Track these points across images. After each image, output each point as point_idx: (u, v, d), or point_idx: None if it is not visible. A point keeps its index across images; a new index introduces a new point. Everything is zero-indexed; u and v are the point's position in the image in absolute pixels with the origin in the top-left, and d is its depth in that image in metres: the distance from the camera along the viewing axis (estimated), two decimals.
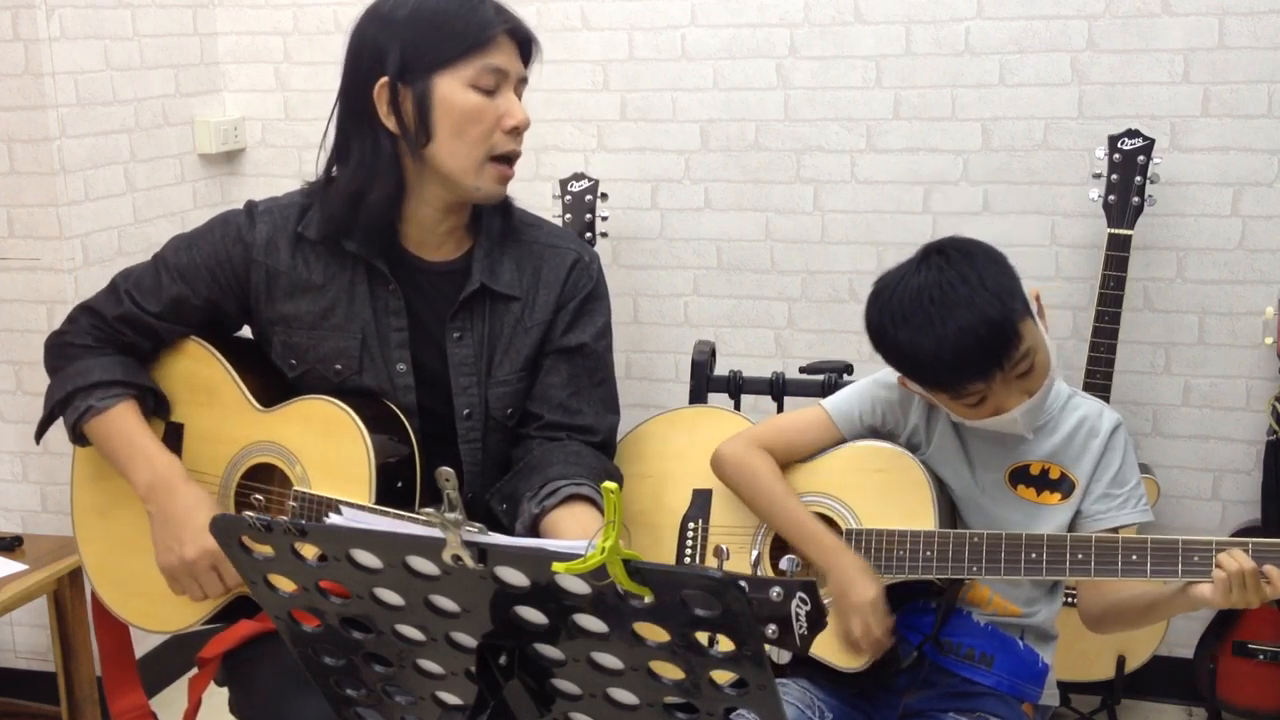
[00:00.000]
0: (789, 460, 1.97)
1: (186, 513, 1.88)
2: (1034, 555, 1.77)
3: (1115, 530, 1.84)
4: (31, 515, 3.16)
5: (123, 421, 1.95)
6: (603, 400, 2.02)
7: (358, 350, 1.94)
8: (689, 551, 2.02)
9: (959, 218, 3.07)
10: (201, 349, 2.03)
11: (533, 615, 1.18)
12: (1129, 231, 2.79)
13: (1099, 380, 2.78)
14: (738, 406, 2.41)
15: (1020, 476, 1.87)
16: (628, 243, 3.30)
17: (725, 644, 1.12)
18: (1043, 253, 3.05)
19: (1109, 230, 2.80)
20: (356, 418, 1.88)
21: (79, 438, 2.00)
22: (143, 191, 3.23)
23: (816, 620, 1.26)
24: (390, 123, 1.85)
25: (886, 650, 1.85)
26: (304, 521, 1.24)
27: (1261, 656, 2.86)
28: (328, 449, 1.89)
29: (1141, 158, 2.78)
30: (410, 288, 1.94)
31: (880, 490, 1.88)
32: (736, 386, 2.43)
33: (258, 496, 1.97)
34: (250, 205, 1.99)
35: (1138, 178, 2.78)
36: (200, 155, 3.43)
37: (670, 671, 1.17)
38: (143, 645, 2.85)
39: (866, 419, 1.96)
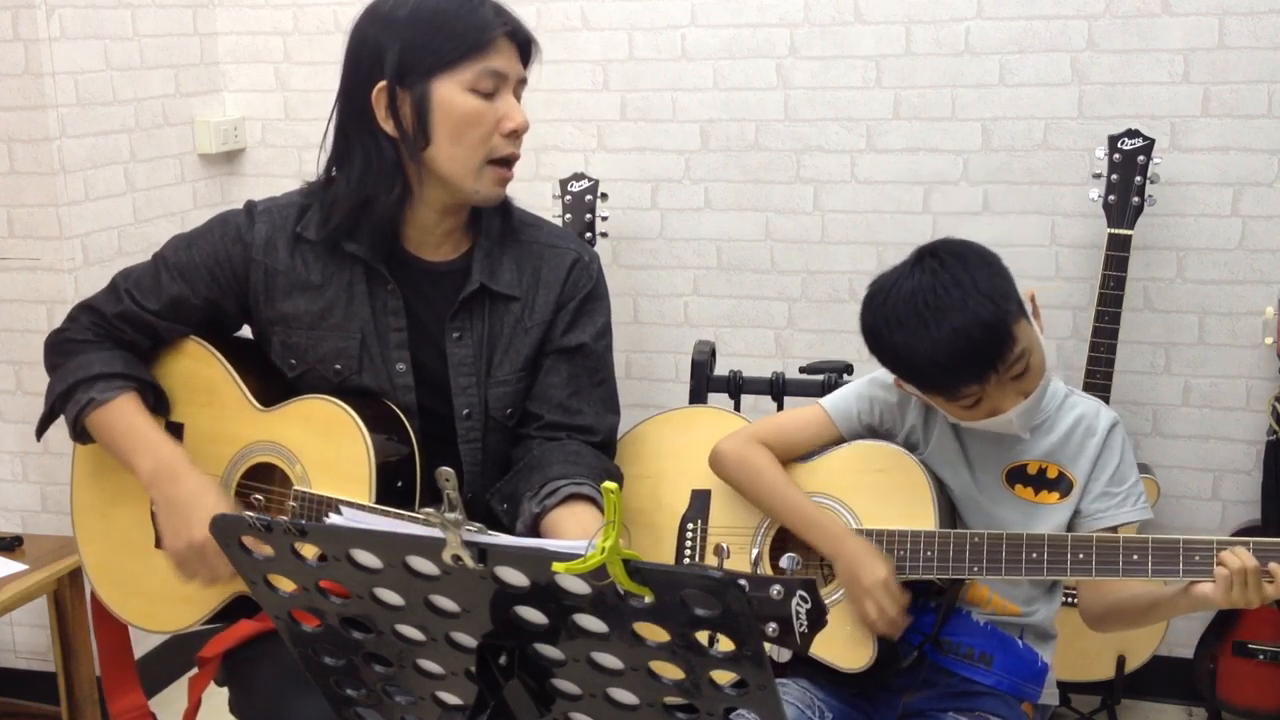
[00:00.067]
0: (788, 457, 1.97)
1: (192, 497, 1.87)
2: (1035, 555, 1.77)
3: (1115, 529, 1.84)
4: (31, 515, 3.16)
5: (124, 412, 1.95)
6: (603, 400, 2.02)
7: (357, 350, 1.94)
8: (688, 552, 2.02)
9: (959, 218, 3.07)
10: (201, 349, 2.03)
11: (533, 615, 1.18)
12: (1129, 231, 2.79)
13: (1099, 380, 2.78)
14: (738, 406, 2.41)
15: (1017, 476, 1.87)
16: (628, 243, 3.30)
17: (725, 644, 1.12)
18: (1043, 253, 3.05)
19: (1109, 230, 2.80)
20: (356, 417, 1.88)
21: (80, 434, 1.99)
22: (143, 191, 3.23)
23: (817, 619, 1.26)
24: (389, 126, 1.85)
25: (886, 650, 1.85)
26: (304, 521, 1.24)
27: (1261, 656, 2.86)
28: (328, 448, 1.89)
29: (1141, 158, 2.78)
30: (409, 288, 1.94)
31: (880, 490, 1.89)
32: (736, 386, 2.43)
33: (258, 496, 1.97)
34: (250, 205, 1.99)
35: (1138, 178, 2.78)
36: (200, 155, 3.43)
37: (670, 671, 1.17)
38: (143, 645, 2.85)
39: (864, 418, 1.96)
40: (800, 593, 1.24)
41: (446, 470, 1.15)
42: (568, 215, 3.07)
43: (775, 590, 1.24)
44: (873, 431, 1.96)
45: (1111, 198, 2.80)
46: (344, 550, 1.21)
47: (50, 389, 2.01)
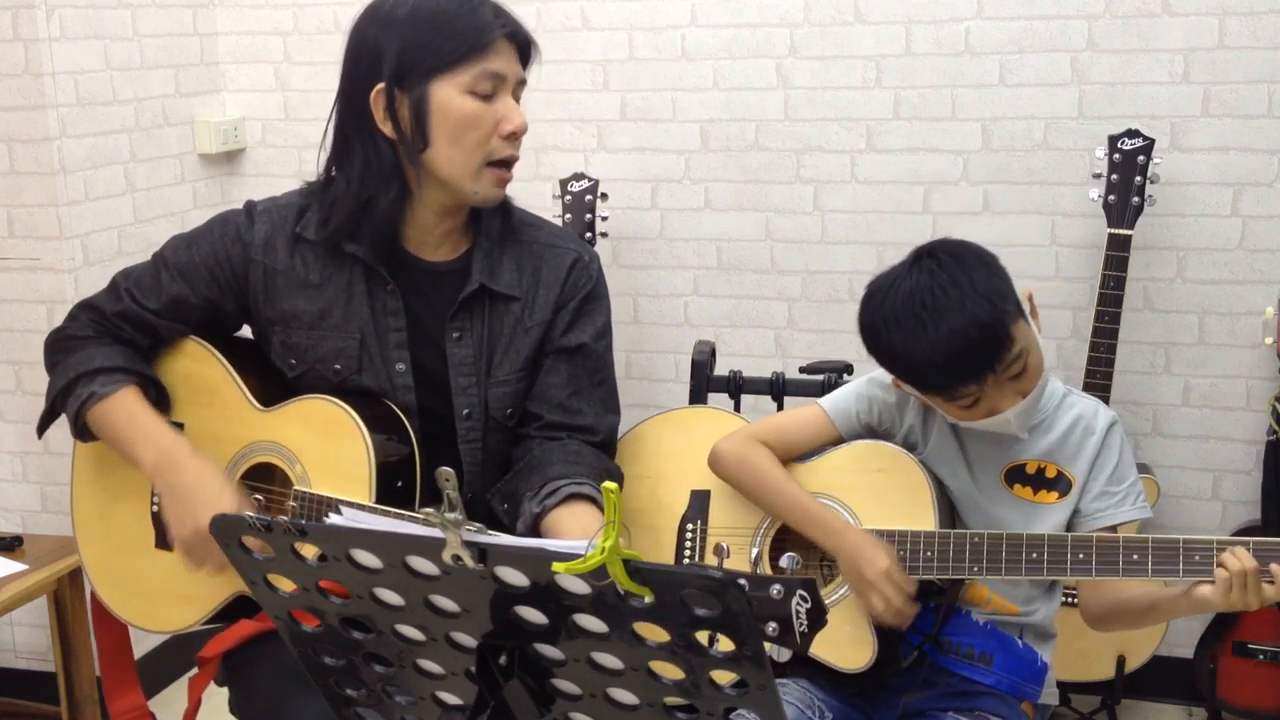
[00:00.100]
0: (787, 457, 1.97)
1: (196, 483, 1.86)
2: (1035, 555, 1.77)
3: (1114, 528, 1.84)
4: (31, 515, 3.16)
5: (125, 405, 1.94)
6: (603, 400, 2.01)
7: (356, 350, 1.94)
8: (688, 552, 2.02)
9: (959, 218, 3.07)
10: (201, 349, 2.03)
11: (533, 615, 1.18)
12: (1129, 231, 2.79)
13: (1099, 380, 2.78)
14: (738, 406, 2.42)
15: (1016, 476, 1.87)
16: (628, 243, 3.30)
17: (725, 644, 1.12)
18: (1043, 253, 3.05)
19: (1109, 230, 2.80)
20: (356, 417, 1.88)
21: (81, 431, 1.99)
22: (143, 191, 3.23)
23: (817, 618, 1.26)
24: (387, 128, 1.84)
25: (886, 650, 1.85)
26: (304, 521, 1.24)
27: (1261, 656, 2.86)
28: (328, 448, 1.89)
29: (1141, 158, 2.78)
30: (409, 288, 1.94)
31: (880, 490, 1.89)
32: (736, 386, 2.43)
33: (258, 496, 1.97)
34: (249, 205, 1.99)
35: (1138, 178, 2.78)
36: (200, 155, 3.43)
37: (670, 671, 1.17)
38: (143, 645, 2.85)
39: (863, 417, 1.96)
40: (800, 592, 1.24)
41: (446, 470, 1.15)
42: (568, 215, 3.07)
43: (775, 590, 1.24)
44: (871, 431, 1.97)
45: (1111, 198, 2.80)
46: (344, 550, 1.21)
47: (51, 385, 2.00)
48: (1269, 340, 2.87)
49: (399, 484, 1.89)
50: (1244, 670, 2.87)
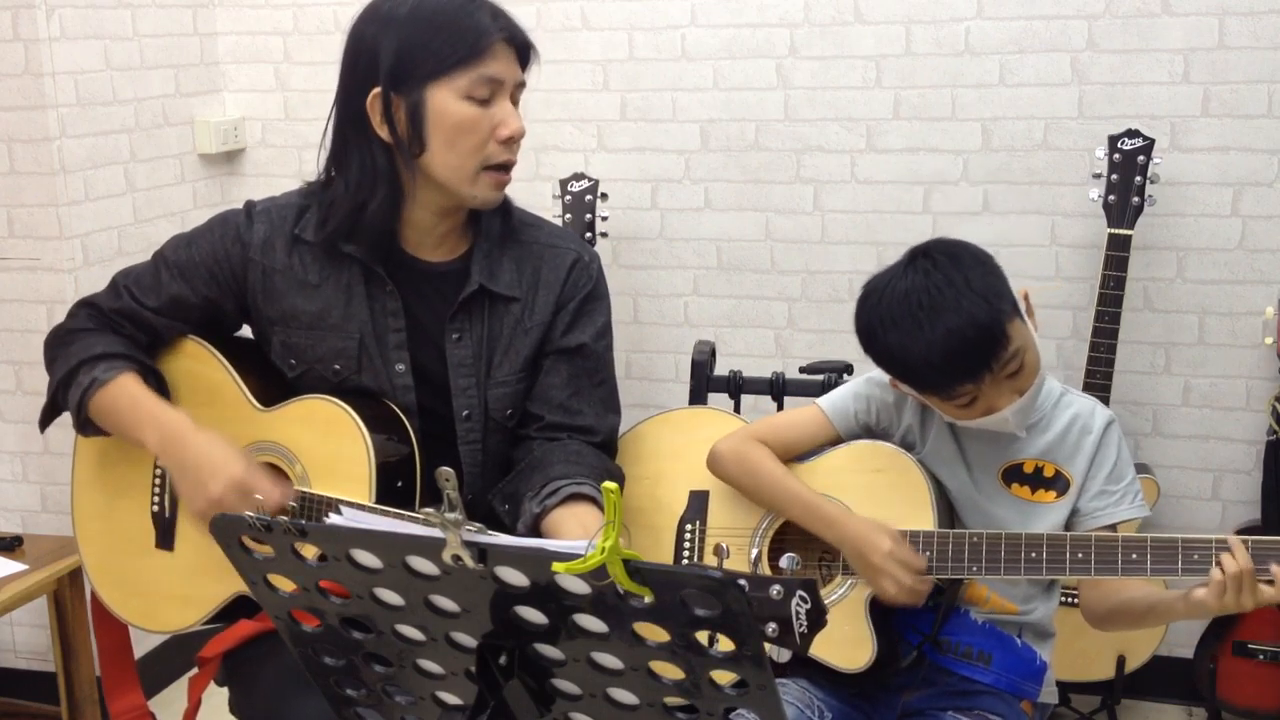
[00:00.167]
0: (785, 457, 1.97)
1: (202, 455, 1.85)
2: (1034, 555, 1.77)
3: (1113, 527, 1.84)
4: (31, 515, 3.16)
5: (126, 388, 1.93)
6: (603, 400, 2.01)
7: (355, 351, 1.94)
8: (686, 553, 2.02)
9: (959, 218, 3.07)
10: (201, 349, 2.03)
11: (533, 615, 1.18)
12: (1129, 231, 2.79)
13: (1099, 380, 2.78)
14: (738, 406, 2.42)
15: (1014, 475, 1.88)
16: (628, 243, 3.30)
17: (725, 644, 1.12)
18: (1043, 253, 3.05)
19: (1109, 230, 2.80)
20: (356, 417, 1.87)
21: (84, 424, 1.98)
22: (143, 191, 3.23)
23: (816, 619, 1.26)
24: (383, 132, 1.84)
25: (885, 650, 1.85)
26: (304, 521, 1.24)
27: (1261, 656, 2.86)
28: (328, 448, 1.89)
29: (1141, 158, 2.78)
30: (408, 288, 1.94)
31: (879, 490, 1.89)
32: (736, 386, 2.43)
33: (258, 495, 1.96)
34: (249, 205, 1.99)
35: (1138, 178, 2.78)
36: (200, 155, 3.43)
37: (670, 671, 1.17)
38: (143, 645, 2.85)
39: (861, 417, 1.96)
40: (800, 593, 1.24)
41: (446, 470, 1.15)
42: (568, 215, 3.07)
43: (775, 590, 1.24)
44: (869, 431, 1.97)
45: (1111, 198, 2.80)
46: (344, 550, 1.21)
47: (52, 377, 1.99)
48: (1269, 340, 2.87)
49: (399, 484, 1.89)
50: (1244, 670, 2.87)
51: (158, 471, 2.03)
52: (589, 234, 3.05)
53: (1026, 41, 2.97)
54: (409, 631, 1.26)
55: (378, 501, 1.83)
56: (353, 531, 1.21)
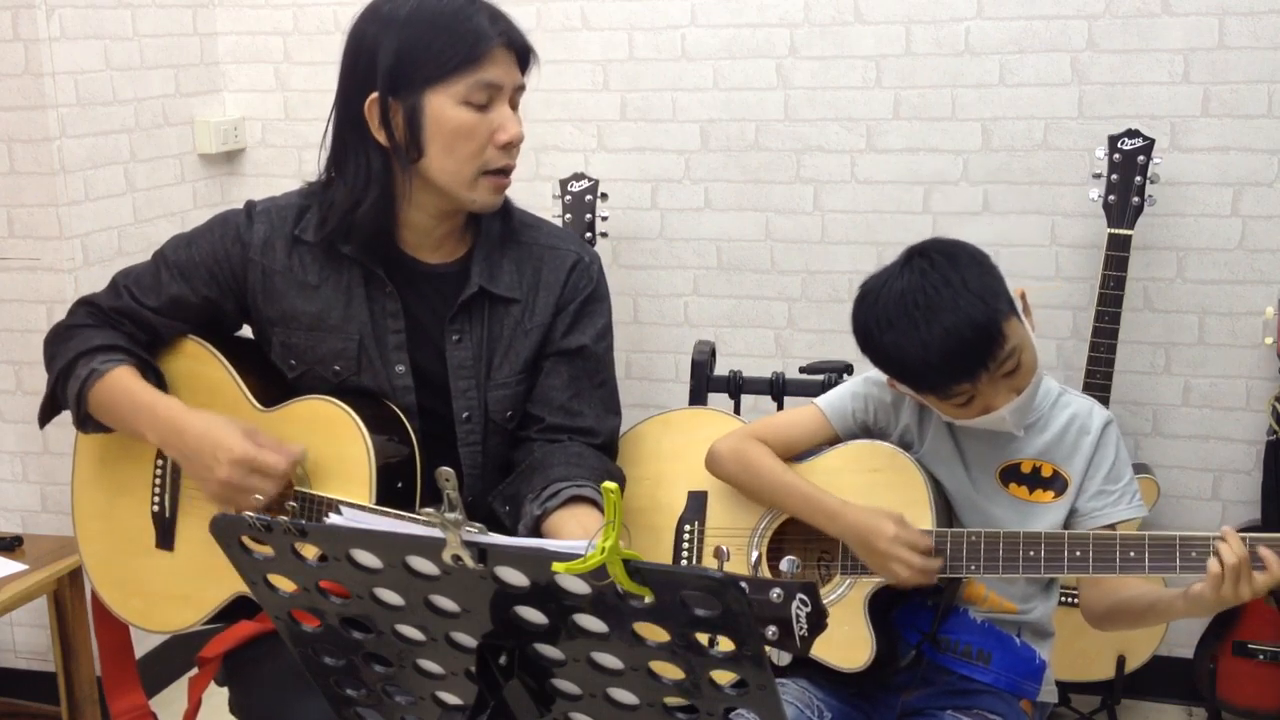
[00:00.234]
0: (784, 456, 1.97)
1: (202, 439, 1.85)
2: (1032, 553, 1.78)
3: (1112, 527, 1.84)
4: (31, 515, 3.16)
5: (121, 382, 1.93)
6: (603, 401, 2.01)
7: (355, 352, 1.94)
8: (685, 553, 2.02)
9: (959, 218, 3.07)
10: (201, 349, 2.03)
11: (533, 615, 1.18)
12: (1129, 231, 2.79)
13: (1099, 380, 2.79)
14: (738, 407, 2.42)
15: (1011, 475, 1.88)
16: (628, 243, 3.30)
17: (725, 644, 1.12)
18: (1043, 253, 3.05)
19: (1109, 230, 2.80)
20: (357, 418, 1.87)
21: (84, 420, 1.98)
22: (143, 191, 3.23)
23: (817, 622, 1.26)
24: (381, 137, 1.84)
25: (885, 649, 1.85)
26: (304, 521, 1.24)
27: (1261, 656, 2.86)
28: (328, 449, 1.89)
29: (1141, 158, 2.78)
30: (408, 290, 1.94)
31: (877, 490, 1.89)
32: (736, 386, 2.43)
33: (258, 496, 1.96)
34: (249, 205, 1.99)
35: (1138, 178, 2.78)
36: (200, 155, 3.43)
37: (670, 671, 1.17)
38: (143, 645, 2.85)
39: (859, 416, 1.96)
40: (800, 596, 1.24)
41: (446, 470, 1.15)
42: (568, 215, 3.07)
43: (775, 594, 1.24)
44: (867, 430, 1.97)
45: (1111, 198, 2.80)
46: (344, 550, 1.21)
47: (50, 371, 2.00)
48: (1269, 340, 2.87)
49: (399, 485, 1.89)
50: (1244, 670, 2.87)
51: (158, 471, 2.03)
52: (589, 234, 3.05)
53: (1026, 41, 2.97)
54: (409, 631, 1.26)
55: (378, 502, 1.83)
56: (353, 531, 1.21)
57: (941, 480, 1.90)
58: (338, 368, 1.95)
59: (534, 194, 3.15)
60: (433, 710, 1.33)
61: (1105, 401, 2.74)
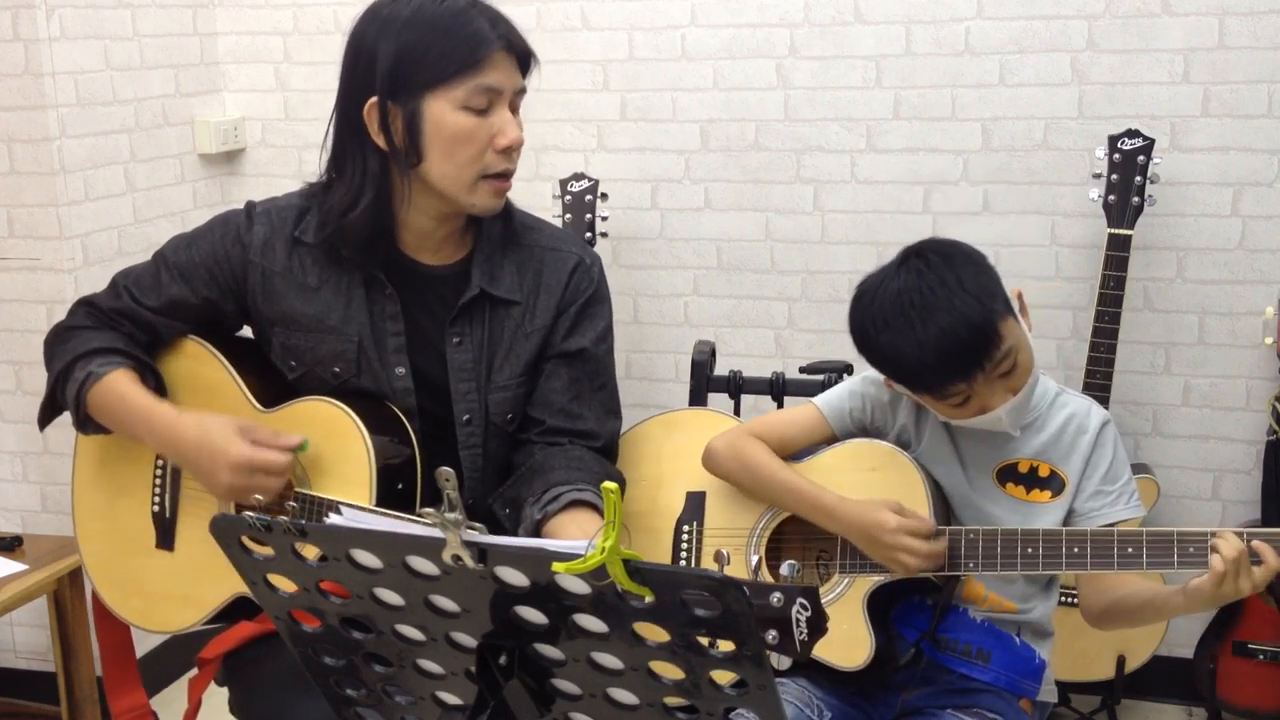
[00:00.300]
0: (781, 454, 1.97)
1: (199, 448, 1.86)
2: (1030, 550, 1.78)
3: (1110, 527, 1.84)
4: (31, 515, 3.16)
5: (117, 387, 1.92)
6: (604, 404, 2.01)
7: (354, 354, 1.94)
8: (684, 554, 2.02)
9: (959, 218, 3.07)
10: (202, 349, 2.03)
11: (533, 615, 1.18)
12: (1129, 231, 2.79)
13: (1099, 380, 2.79)
14: (738, 407, 2.42)
15: (1008, 475, 1.88)
16: (628, 243, 3.30)
17: (725, 644, 1.12)
18: (1043, 253, 3.05)
19: (1109, 230, 2.80)
20: (357, 419, 1.87)
21: (84, 421, 1.98)
22: (143, 191, 3.23)
23: (817, 625, 1.25)
24: (380, 141, 1.83)
25: (884, 648, 1.85)
26: (304, 521, 1.24)
27: (1261, 656, 2.86)
28: (328, 450, 1.89)
29: (1141, 158, 2.78)
30: (408, 292, 1.94)
31: (875, 489, 1.88)
32: (736, 386, 2.43)
33: (258, 496, 1.96)
34: (250, 206, 1.99)
35: (1138, 178, 2.78)
36: (200, 155, 3.43)
37: (670, 671, 1.17)
38: (143, 645, 2.85)
39: (856, 415, 1.97)
40: (801, 600, 1.24)
41: (446, 470, 1.15)
42: (568, 215, 3.07)
43: (775, 598, 1.24)
44: (864, 430, 1.97)
45: (1111, 198, 2.80)
46: (344, 550, 1.21)
47: (50, 373, 2.00)
48: (1269, 340, 2.87)
49: (399, 486, 1.89)
50: (1244, 670, 2.87)
51: (158, 471, 2.03)
52: (589, 234, 3.05)
53: (1026, 41, 2.97)
54: (409, 631, 1.26)
55: (378, 503, 1.83)
56: (353, 531, 1.21)
57: (939, 480, 1.90)
58: (337, 369, 1.94)
59: (534, 194, 3.15)
60: (433, 710, 1.33)
61: (1105, 401, 2.74)
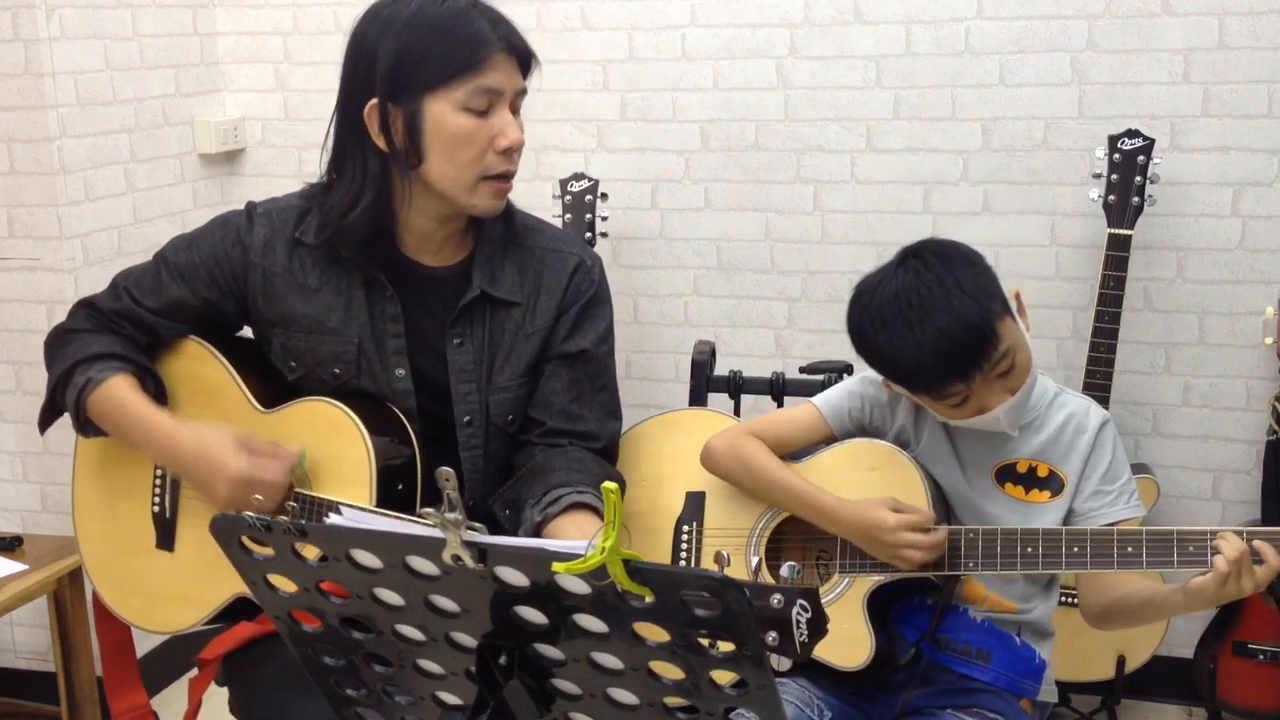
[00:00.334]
0: (780, 453, 1.97)
1: (197, 460, 1.86)
2: (1030, 550, 1.78)
3: (1110, 526, 1.84)
4: (31, 515, 3.16)
5: (116, 394, 1.92)
6: (604, 405, 2.01)
7: (354, 355, 1.93)
8: (684, 554, 2.02)
9: (959, 218, 3.07)
10: (202, 350, 2.03)
11: (533, 615, 1.18)
12: (1129, 231, 2.79)
13: (1099, 380, 2.79)
14: (738, 406, 2.42)
15: (1007, 475, 1.88)
16: (628, 243, 3.30)
17: (725, 644, 1.12)
18: (1043, 253, 3.05)
19: (1109, 230, 2.80)
20: (358, 420, 1.87)
21: (84, 425, 1.98)
22: (143, 191, 3.23)
23: (817, 627, 1.26)
24: (381, 142, 1.83)
25: (884, 647, 1.85)
26: (304, 522, 1.24)
27: (1261, 656, 2.86)
28: (329, 451, 1.89)
29: (1141, 158, 2.78)
30: (408, 293, 1.93)
31: (874, 489, 1.88)
32: (736, 386, 2.43)
33: (258, 496, 1.96)
34: (250, 206, 1.99)
35: (1138, 178, 2.78)
36: (200, 155, 3.43)
37: (670, 671, 1.17)
38: (143, 645, 2.85)
39: (855, 414, 1.97)
40: (801, 601, 1.24)
41: (446, 470, 1.15)
42: (568, 215, 3.07)
43: (776, 599, 1.24)
44: (863, 429, 1.97)
45: (1111, 198, 2.80)
46: (344, 550, 1.21)
47: (50, 377, 1.99)
48: (1269, 340, 2.87)
49: (399, 487, 1.89)
50: (1244, 670, 2.87)
51: (158, 472, 2.03)
52: (589, 234, 3.05)
53: (1026, 41, 2.97)
54: (409, 631, 1.26)
55: (378, 504, 1.83)
56: (353, 531, 1.21)
57: (938, 480, 1.90)
58: (337, 370, 1.94)
59: (534, 194, 3.15)
60: (433, 710, 1.33)
61: (1105, 402, 2.74)
